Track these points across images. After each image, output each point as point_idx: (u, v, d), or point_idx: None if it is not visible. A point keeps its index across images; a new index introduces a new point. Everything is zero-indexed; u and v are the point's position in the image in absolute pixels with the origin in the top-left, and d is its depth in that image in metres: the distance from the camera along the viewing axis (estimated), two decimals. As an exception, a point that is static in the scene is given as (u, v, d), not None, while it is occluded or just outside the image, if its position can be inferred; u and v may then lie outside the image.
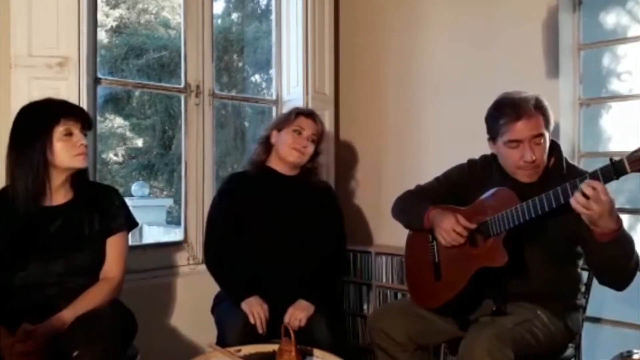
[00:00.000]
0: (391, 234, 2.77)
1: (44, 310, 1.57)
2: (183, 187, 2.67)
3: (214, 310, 2.11)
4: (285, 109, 3.03)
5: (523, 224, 1.62)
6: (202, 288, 2.18)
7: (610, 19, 2.53)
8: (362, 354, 2.86)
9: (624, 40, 2.45)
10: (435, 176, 2.04)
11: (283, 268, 2.04)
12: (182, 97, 2.67)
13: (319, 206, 2.20)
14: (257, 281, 2.01)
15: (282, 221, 2.10)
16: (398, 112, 2.96)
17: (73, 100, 2.01)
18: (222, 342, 1.86)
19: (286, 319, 1.91)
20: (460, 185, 1.92)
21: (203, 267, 2.22)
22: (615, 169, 1.43)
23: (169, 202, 8.01)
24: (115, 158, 8.06)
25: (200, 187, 2.65)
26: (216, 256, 2.12)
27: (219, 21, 7.02)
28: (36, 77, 2.08)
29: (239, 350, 1.72)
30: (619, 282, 1.63)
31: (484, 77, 2.58)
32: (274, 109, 3.07)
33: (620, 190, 2.42)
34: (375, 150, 3.06)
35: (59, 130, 1.63)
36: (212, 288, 2.14)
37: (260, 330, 1.89)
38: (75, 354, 1.42)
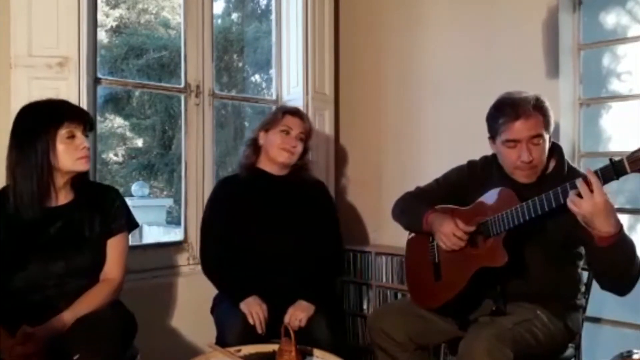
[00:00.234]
0: (391, 234, 2.77)
1: (44, 311, 1.57)
2: (183, 187, 2.67)
3: (213, 310, 2.11)
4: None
5: (523, 224, 1.62)
6: (202, 288, 2.17)
7: (610, 19, 2.53)
8: (362, 354, 2.86)
9: (624, 40, 2.45)
10: (435, 176, 2.04)
11: (280, 268, 2.04)
12: (182, 97, 2.67)
13: (313, 203, 2.19)
14: (255, 282, 2.01)
15: (277, 221, 2.10)
16: (398, 112, 2.96)
17: (73, 100, 2.01)
18: (222, 342, 1.86)
19: (286, 319, 1.91)
20: (460, 187, 1.92)
21: (203, 267, 2.22)
22: (615, 169, 1.43)
23: (169, 202, 8.01)
24: (115, 158, 8.07)
25: (200, 187, 2.65)
26: (212, 260, 2.12)
27: (219, 21, 7.02)
28: (36, 77, 2.08)
29: (239, 350, 1.72)
30: (620, 288, 1.61)
31: (484, 77, 2.58)
32: (274, 108, 3.07)
33: (620, 190, 2.42)
34: (375, 150, 3.06)
35: (62, 134, 1.62)
36: (212, 288, 2.13)
37: (259, 331, 1.89)
38: (76, 357, 1.41)
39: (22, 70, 2.07)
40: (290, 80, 3.02)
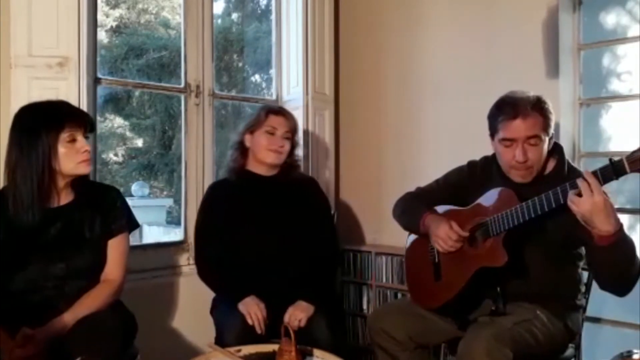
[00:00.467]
0: (391, 234, 2.77)
1: (44, 312, 1.57)
2: (183, 187, 2.67)
3: (213, 311, 2.10)
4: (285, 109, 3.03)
5: (523, 224, 1.61)
6: (202, 288, 2.17)
7: (610, 19, 2.53)
8: (362, 353, 2.86)
9: (624, 40, 2.45)
10: (435, 177, 2.04)
11: (277, 268, 2.04)
12: (182, 97, 2.67)
13: (306, 201, 2.18)
14: (252, 283, 2.01)
15: (270, 222, 2.09)
16: (398, 112, 2.96)
17: (73, 100, 2.01)
18: (220, 342, 1.86)
19: (286, 318, 1.91)
20: (461, 187, 1.92)
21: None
22: (614, 169, 1.43)
23: (169, 202, 8.02)
24: (115, 158, 8.07)
25: (200, 187, 2.65)
26: (207, 264, 2.11)
27: (219, 21, 7.02)
28: (36, 77, 2.08)
29: (239, 350, 1.71)
30: (620, 288, 1.61)
31: (484, 77, 2.58)
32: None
33: (621, 191, 2.42)
34: (375, 150, 3.06)
35: (63, 137, 1.61)
36: (212, 288, 2.14)
37: (258, 330, 1.89)
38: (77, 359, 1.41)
39: (22, 70, 2.07)
40: (290, 80, 3.02)
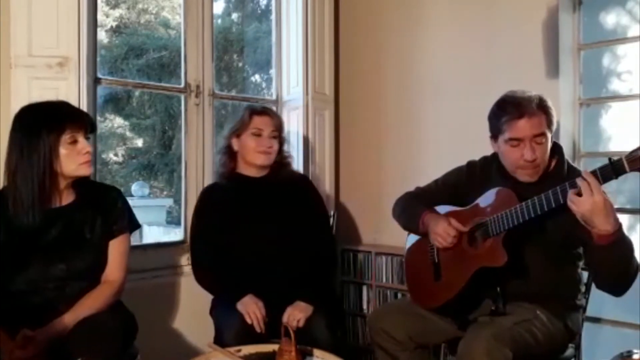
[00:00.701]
0: (391, 234, 2.77)
1: (45, 313, 1.57)
2: (183, 187, 2.67)
3: (212, 311, 2.10)
4: (285, 109, 3.04)
5: (522, 224, 1.62)
6: (202, 288, 2.17)
7: (610, 19, 2.53)
8: (362, 354, 2.86)
9: (624, 40, 2.45)
10: (435, 176, 2.04)
11: (275, 268, 2.04)
12: (182, 97, 2.67)
13: (299, 200, 2.17)
14: (250, 283, 2.00)
15: (265, 223, 2.09)
16: (398, 112, 2.96)
17: (73, 100, 2.01)
18: (219, 342, 1.85)
19: (284, 319, 1.91)
20: (460, 187, 1.92)
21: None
22: (614, 168, 1.43)
23: (169, 202, 8.02)
24: (115, 158, 8.07)
25: (200, 187, 2.64)
26: (204, 269, 2.11)
27: (219, 21, 7.03)
28: (36, 77, 2.08)
29: (239, 350, 1.71)
30: (617, 287, 1.61)
31: (484, 77, 2.58)
32: (274, 108, 3.07)
33: (621, 191, 2.42)
34: (375, 150, 3.06)
35: (64, 139, 1.61)
36: (212, 288, 2.13)
37: (257, 329, 1.89)
38: None
39: (22, 70, 2.07)
40: (290, 80, 3.01)
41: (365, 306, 2.95)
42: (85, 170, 1.67)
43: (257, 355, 1.72)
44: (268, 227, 2.08)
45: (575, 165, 1.84)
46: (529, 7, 2.45)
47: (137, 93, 7.76)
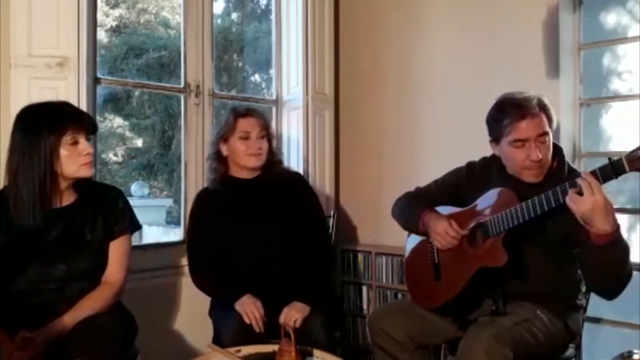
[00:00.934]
0: (391, 234, 2.76)
1: (45, 314, 1.56)
2: (183, 187, 2.67)
3: (211, 312, 2.10)
4: (285, 109, 3.04)
5: (522, 224, 1.61)
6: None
7: (611, 18, 2.53)
8: (362, 354, 2.86)
9: (624, 40, 2.45)
10: (435, 177, 2.03)
11: (272, 268, 2.03)
12: (182, 97, 2.67)
13: (294, 198, 2.16)
14: (248, 283, 2.00)
15: (260, 224, 2.08)
16: (398, 112, 2.96)
17: (72, 100, 2.00)
18: (218, 343, 1.85)
19: (281, 319, 1.90)
20: (459, 188, 1.92)
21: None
22: (614, 168, 1.43)
23: (169, 202, 8.02)
24: (115, 158, 8.07)
25: (200, 187, 2.64)
26: (201, 274, 2.11)
27: (219, 21, 7.03)
28: (36, 77, 2.07)
29: (239, 351, 1.71)
30: (609, 290, 1.61)
31: (484, 77, 2.58)
32: (274, 109, 3.07)
33: (620, 191, 2.42)
34: (375, 150, 3.06)
35: (65, 140, 1.60)
36: (212, 288, 2.13)
37: (256, 329, 1.89)
38: None
39: (22, 70, 2.07)
40: (290, 80, 3.01)
41: (365, 306, 2.95)
42: (85, 172, 1.66)
43: (257, 356, 1.72)
44: (264, 227, 2.08)
45: (574, 165, 1.84)
46: (529, 7, 2.45)
47: (136, 93, 7.76)
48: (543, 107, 1.68)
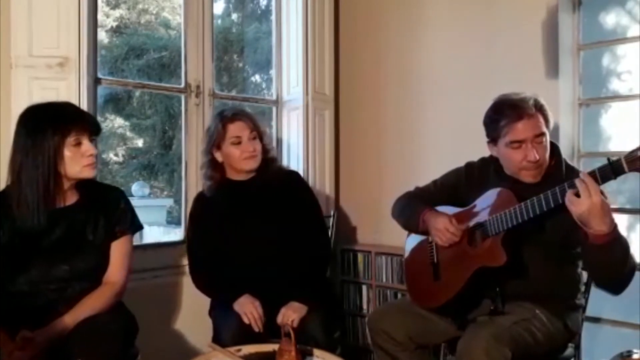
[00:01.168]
0: (391, 234, 2.77)
1: (46, 314, 1.56)
2: (183, 187, 2.68)
3: (211, 312, 2.11)
4: (285, 109, 3.04)
5: (522, 224, 1.62)
6: (201, 289, 2.18)
7: (610, 19, 2.53)
8: (362, 353, 2.86)
9: (624, 40, 2.45)
10: (435, 177, 2.04)
11: (271, 268, 2.03)
12: (182, 97, 2.67)
13: (290, 197, 2.15)
14: (248, 283, 2.00)
15: (259, 224, 2.08)
16: (398, 112, 2.96)
17: (73, 100, 2.01)
18: (218, 343, 1.85)
19: (279, 319, 1.91)
20: (458, 188, 1.93)
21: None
22: (612, 168, 1.43)
23: (169, 202, 8.02)
24: (115, 158, 8.07)
25: (200, 187, 2.64)
26: (201, 272, 2.11)
27: (219, 21, 7.03)
28: (36, 77, 2.08)
29: (239, 350, 1.72)
30: (612, 287, 1.62)
31: (484, 77, 2.58)
32: (274, 109, 3.08)
33: (620, 191, 2.42)
34: (375, 150, 3.06)
35: (69, 141, 1.60)
36: (212, 288, 2.13)
37: (255, 329, 1.89)
38: None
39: (23, 70, 2.07)
40: (290, 80, 3.02)
41: (365, 306, 2.95)
42: (88, 173, 1.66)
43: (257, 355, 1.72)
44: (262, 228, 2.08)
45: (573, 164, 1.85)
46: (529, 7, 2.45)
47: (137, 93, 7.76)
48: (539, 108, 1.69)
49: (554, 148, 1.77)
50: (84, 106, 2.09)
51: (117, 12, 7.95)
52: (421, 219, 1.85)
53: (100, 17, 2.61)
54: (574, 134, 2.46)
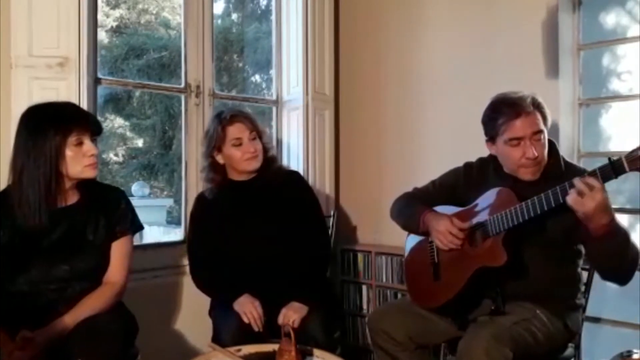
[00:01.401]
0: (391, 234, 2.76)
1: (46, 314, 1.56)
2: (183, 187, 2.68)
3: (210, 312, 2.11)
4: (285, 109, 3.04)
5: (522, 224, 1.62)
6: (201, 289, 2.17)
7: (610, 19, 2.53)
8: (362, 353, 2.86)
9: (624, 40, 2.45)
10: (435, 176, 2.03)
11: (271, 267, 2.03)
12: (182, 97, 2.67)
13: (291, 197, 2.15)
14: (248, 283, 2.01)
15: (260, 224, 2.08)
16: (398, 112, 2.96)
17: (73, 100, 2.00)
18: (217, 343, 1.85)
19: (280, 320, 1.91)
20: (457, 188, 1.93)
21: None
22: (613, 168, 1.44)
23: (169, 202, 8.02)
24: (115, 158, 8.07)
25: (200, 187, 2.64)
26: (201, 272, 2.11)
27: (219, 21, 7.03)
28: (36, 77, 2.08)
29: (239, 350, 1.72)
30: (618, 277, 1.63)
31: (484, 77, 2.58)
32: (274, 109, 3.08)
33: (620, 191, 2.42)
34: (375, 150, 3.06)
35: (70, 141, 1.60)
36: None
37: (255, 329, 1.89)
38: None
39: (23, 70, 2.07)
40: (290, 80, 3.02)
41: (365, 306, 2.95)
42: (90, 173, 1.67)
43: (257, 355, 1.72)
44: (262, 228, 2.08)
45: (571, 162, 1.85)
46: (529, 7, 2.45)
47: (137, 93, 7.77)
48: (537, 106, 1.70)
49: (552, 146, 1.77)
50: (84, 106, 2.09)
51: (117, 12, 7.95)
52: (421, 220, 1.85)
53: (100, 17, 2.61)
54: (574, 134, 2.46)
